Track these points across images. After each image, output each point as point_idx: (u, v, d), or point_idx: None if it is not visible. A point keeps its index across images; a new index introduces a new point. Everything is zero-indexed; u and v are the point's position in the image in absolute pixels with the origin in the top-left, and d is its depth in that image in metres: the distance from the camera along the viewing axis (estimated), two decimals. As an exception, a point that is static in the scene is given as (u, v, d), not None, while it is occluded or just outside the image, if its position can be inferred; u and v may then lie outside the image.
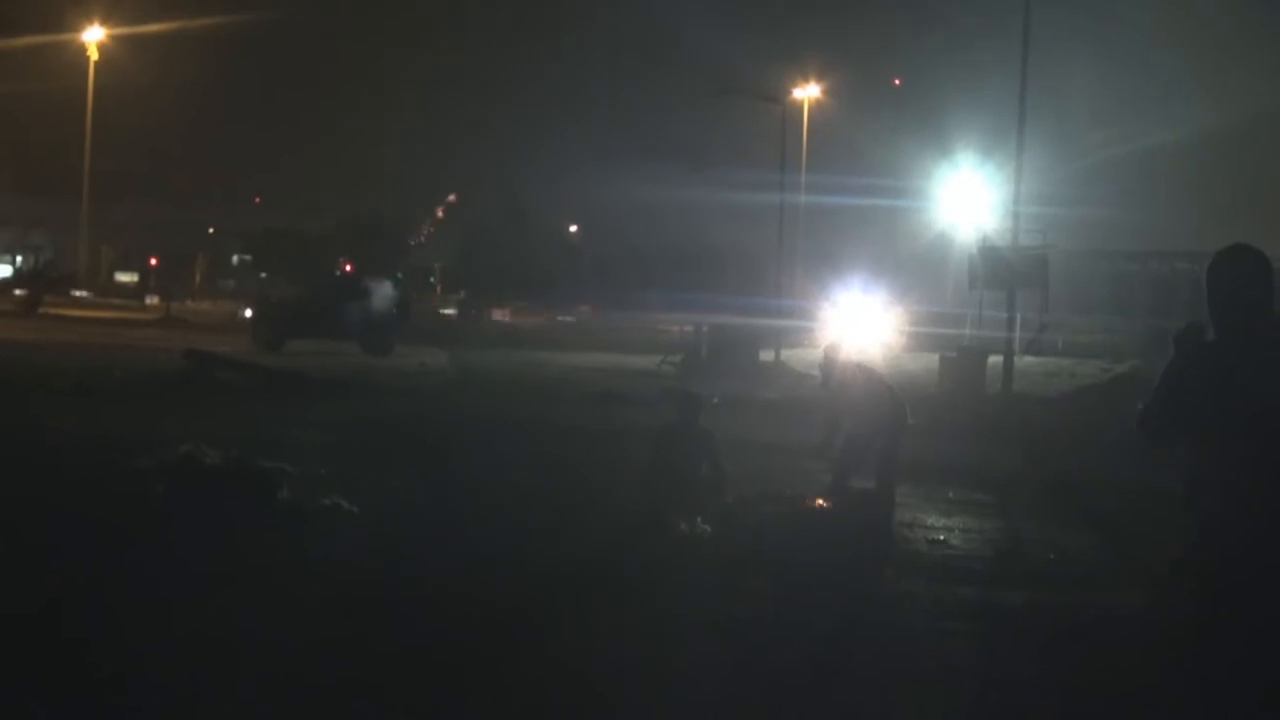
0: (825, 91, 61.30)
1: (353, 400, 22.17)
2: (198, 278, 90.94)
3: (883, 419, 11.92)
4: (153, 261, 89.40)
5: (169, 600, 8.49)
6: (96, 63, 72.73)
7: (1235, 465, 4.81)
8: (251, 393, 22.34)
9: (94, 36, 72.89)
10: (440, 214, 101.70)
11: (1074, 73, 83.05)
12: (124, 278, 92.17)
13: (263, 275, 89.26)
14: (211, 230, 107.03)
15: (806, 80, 60.38)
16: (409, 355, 36.06)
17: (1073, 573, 11.06)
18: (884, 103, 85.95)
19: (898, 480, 12.24)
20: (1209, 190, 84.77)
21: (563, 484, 13.71)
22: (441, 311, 68.55)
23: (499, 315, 69.37)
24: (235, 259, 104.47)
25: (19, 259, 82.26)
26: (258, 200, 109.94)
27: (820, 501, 11.61)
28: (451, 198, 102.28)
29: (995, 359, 32.29)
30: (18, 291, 59.05)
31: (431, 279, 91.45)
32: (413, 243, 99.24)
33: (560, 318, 70.53)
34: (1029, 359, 39.70)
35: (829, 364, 12.39)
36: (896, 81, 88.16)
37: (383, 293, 41.48)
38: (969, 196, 61.49)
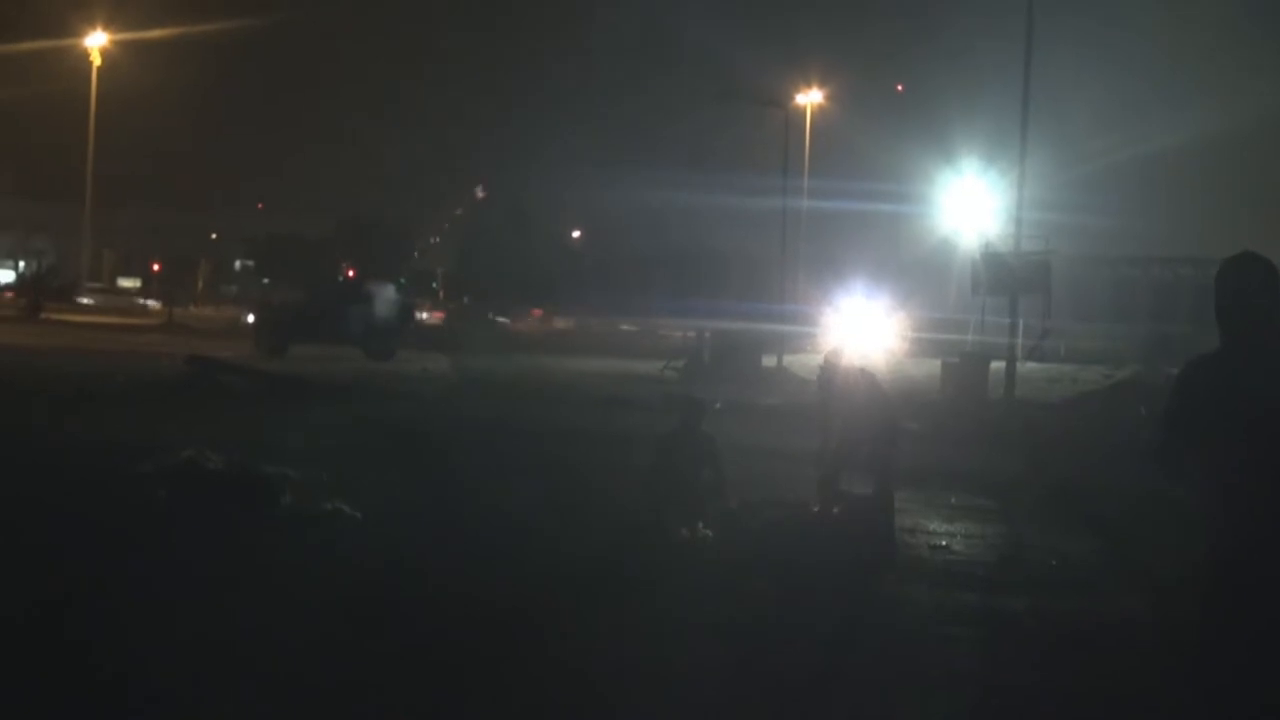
0: (828, 97, 61.29)
1: (354, 405, 22.16)
2: (200, 283, 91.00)
3: (879, 425, 11.91)
4: (155, 267, 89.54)
5: (170, 603, 8.50)
6: (99, 67, 72.73)
7: (1238, 469, 4.82)
8: (253, 398, 22.35)
9: (97, 41, 72.91)
10: (464, 211, 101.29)
11: (1077, 78, 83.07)
12: (126, 282, 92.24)
13: (265, 280, 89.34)
14: (214, 235, 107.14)
15: (809, 85, 60.36)
16: (411, 360, 36.06)
17: (1075, 578, 11.05)
18: (887, 108, 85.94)
19: (897, 485, 12.23)
20: (1211, 195, 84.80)
21: (564, 488, 13.71)
22: (439, 316, 68.37)
23: (513, 320, 68.85)
24: (238, 264, 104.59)
25: (21, 264, 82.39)
26: (260, 206, 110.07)
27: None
28: (480, 192, 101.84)
29: (998, 365, 32.28)
30: (9, 294, 59.15)
31: (434, 284, 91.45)
32: (433, 240, 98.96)
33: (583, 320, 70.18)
34: (1031, 365, 39.69)
35: (830, 369, 12.38)
36: (899, 87, 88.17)
37: (385, 297, 41.51)
38: (972, 202, 61.47)
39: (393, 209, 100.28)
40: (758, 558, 10.43)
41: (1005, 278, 34.74)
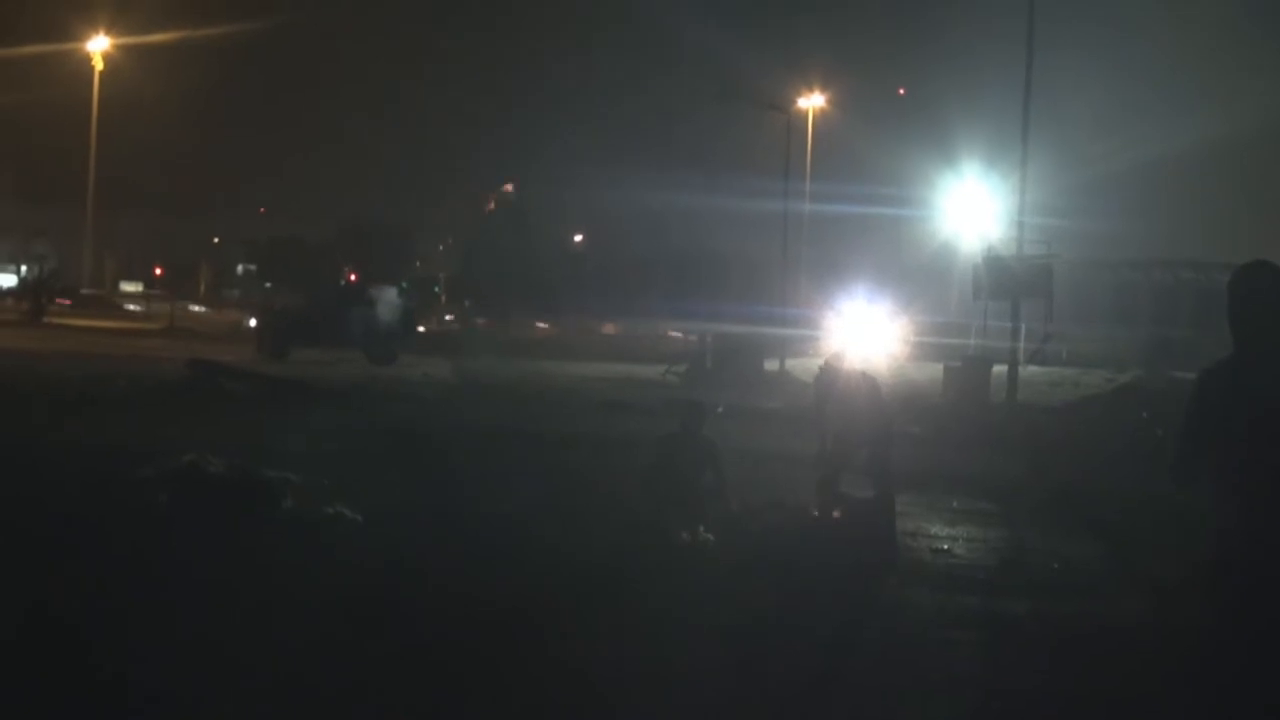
0: (830, 101, 61.32)
1: (356, 409, 22.15)
2: (202, 287, 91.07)
3: (876, 429, 11.93)
4: (157, 271, 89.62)
5: (171, 605, 8.52)
6: (101, 72, 72.81)
7: (1239, 469, 4.83)
8: (255, 402, 22.33)
9: (98, 46, 73.00)
10: (494, 207, 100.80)
11: (1079, 83, 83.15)
12: (128, 287, 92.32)
13: (267, 285, 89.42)
14: (216, 240, 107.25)
15: (811, 89, 60.40)
16: (413, 364, 36.06)
17: (1076, 582, 11.04)
18: (889, 112, 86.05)
19: (897, 489, 12.23)
20: (1212, 199, 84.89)
21: (565, 492, 13.71)
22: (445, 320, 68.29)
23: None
24: (240, 268, 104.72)
25: (23, 268, 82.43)
26: (262, 210, 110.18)
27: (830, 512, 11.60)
28: (508, 186, 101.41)
29: (999, 369, 32.28)
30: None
31: (436, 289, 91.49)
32: (440, 248, 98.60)
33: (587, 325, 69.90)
34: (1033, 369, 39.69)
35: (831, 373, 12.38)
36: (901, 91, 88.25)
37: (387, 302, 41.51)
38: (973, 206, 61.47)
39: (394, 209, 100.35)
40: (759, 560, 10.44)
41: (1007, 281, 34.74)
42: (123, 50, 74.55)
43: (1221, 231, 75.07)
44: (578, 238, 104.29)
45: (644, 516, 11.66)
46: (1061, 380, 38.19)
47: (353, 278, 70.34)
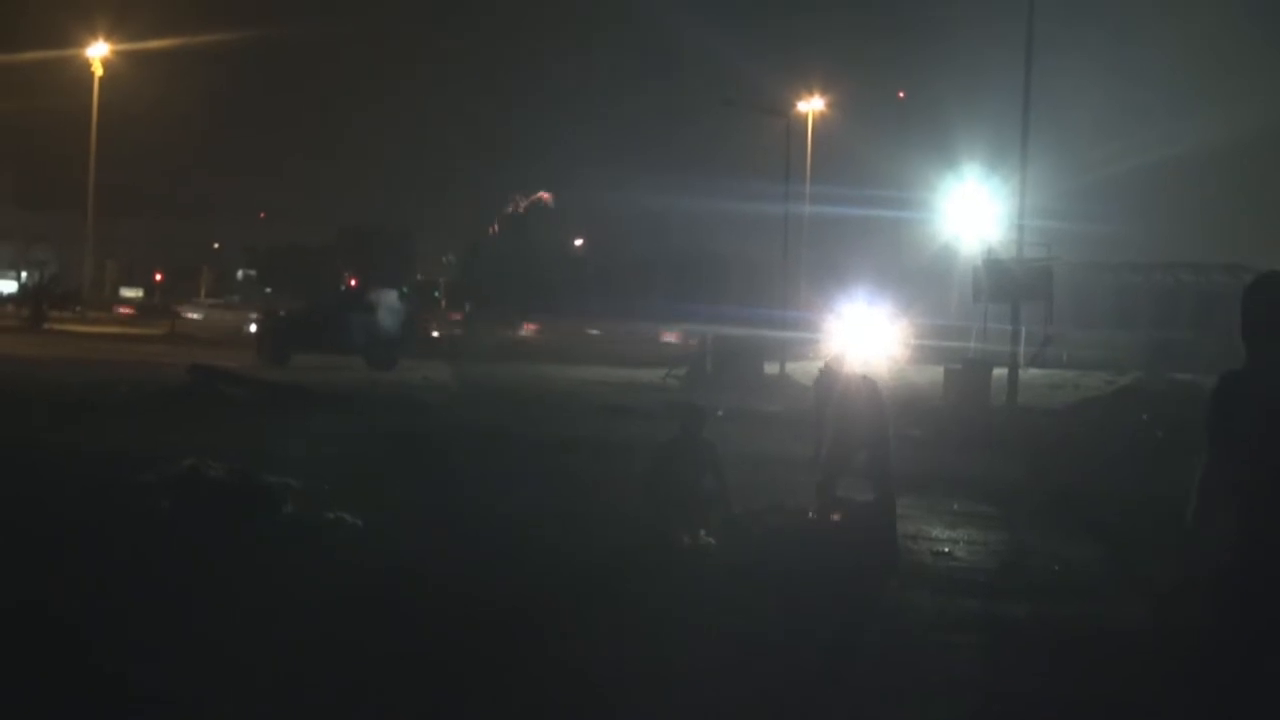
0: (830, 104, 61.30)
1: (356, 414, 22.16)
2: (203, 292, 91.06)
3: (874, 432, 11.93)
4: (158, 277, 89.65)
5: (171, 607, 8.56)
6: (101, 77, 72.83)
7: (1238, 470, 4.83)
8: (255, 407, 22.34)
9: (98, 51, 73.02)
10: (523, 210, 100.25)
11: (1079, 86, 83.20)
12: (129, 293, 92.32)
13: (267, 290, 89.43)
14: (216, 245, 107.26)
15: (811, 93, 60.39)
16: (414, 369, 36.05)
17: (1077, 585, 11.05)
18: (889, 114, 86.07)
19: (897, 491, 12.23)
20: (1212, 202, 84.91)
21: (566, 495, 13.74)
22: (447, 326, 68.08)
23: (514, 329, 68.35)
24: (240, 273, 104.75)
25: (24, 274, 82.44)
26: (262, 215, 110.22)
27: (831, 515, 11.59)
28: (544, 196, 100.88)
29: (1000, 371, 32.29)
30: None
31: (436, 293, 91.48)
32: (445, 259, 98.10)
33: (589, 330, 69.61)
34: (1033, 371, 39.71)
35: (831, 375, 12.38)
36: (901, 94, 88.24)
37: (387, 307, 41.48)
38: (973, 209, 61.53)
39: (395, 210, 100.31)
40: (759, 563, 10.44)
41: (1007, 284, 34.75)
42: (123, 56, 74.59)
43: (1221, 234, 75.14)
44: (578, 241, 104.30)
45: (645, 519, 11.68)
46: (1062, 383, 38.18)
47: (353, 283, 70.28)
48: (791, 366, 40.08)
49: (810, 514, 11.50)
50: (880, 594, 10.35)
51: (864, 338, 40.42)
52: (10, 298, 75.43)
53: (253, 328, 47.23)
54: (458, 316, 72.04)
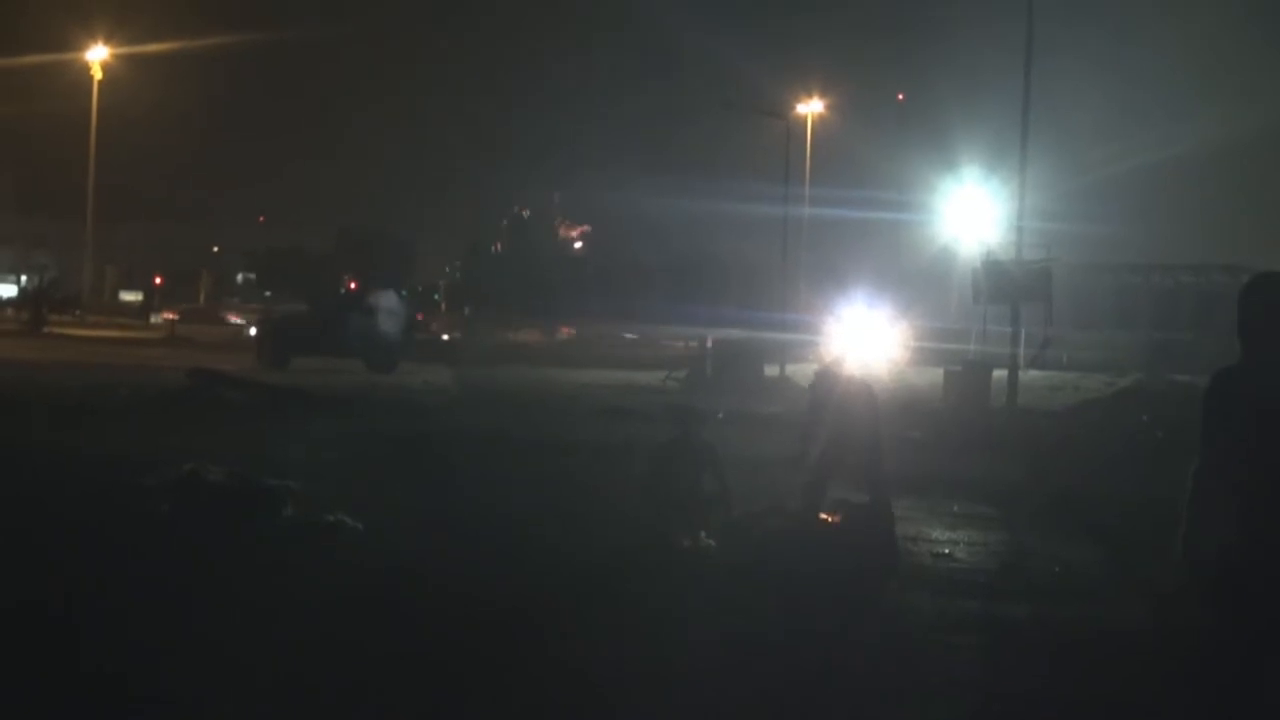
0: (829, 107, 61.38)
1: (356, 417, 22.17)
2: (202, 296, 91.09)
3: (867, 435, 11.93)
4: (157, 280, 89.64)
5: (172, 609, 8.57)
6: (100, 81, 72.86)
7: (1236, 469, 4.84)
8: (255, 411, 22.34)
9: (97, 56, 73.06)
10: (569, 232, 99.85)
11: (1079, 88, 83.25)
12: (128, 296, 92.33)
13: (267, 294, 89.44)
14: (216, 249, 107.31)
15: (810, 95, 60.45)
16: (414, 372, 36.06)
17: (1077, 586, 11.05)
18: (888, 117, 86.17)
19: (893, 493, 12.23)
20: (1212, 203, 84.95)
21: (565, 497, 13.74)
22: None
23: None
24: (239, 277, 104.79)
25: (23, 278, 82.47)
26: (261, 219, 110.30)
27: (825, 516, 11.59)
28: (580, 232, 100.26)
29: (999, 373, 32.28)
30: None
31: (436, 296, 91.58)
32: (449, 270, 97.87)
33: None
34: (1033, 373, 39.71)
35: (829, 378, 12.37)
36: (900, 97, 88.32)
37: (387, 310, 41.46)
38: (972, 211, 61.56)
39: (395, 212, 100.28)
40: (759, 565, 10.44)
41: (1006, 286, 34.72)
42: (122, 60, 74.63)
43: (1221, 235, 75.25)
44: (577, 244, 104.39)
45: (645, 521, 11.68)
46: (1062, 384, 38.20)
47: (352, 286, 70.27)
48: (792, 369, 40.09)
49: (825, 517, 11.47)
50: (880, 595, 10.36)
51: (864, 340, 40.59)
52: (10, 301, 75.47)
53: (252, 331, 47.24)
54: (467, 312, 72.06)
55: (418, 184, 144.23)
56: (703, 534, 11.35)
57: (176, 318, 66.33)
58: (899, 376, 39.50)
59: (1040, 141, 39.40)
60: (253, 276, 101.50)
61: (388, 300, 42.38)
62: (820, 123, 60.85)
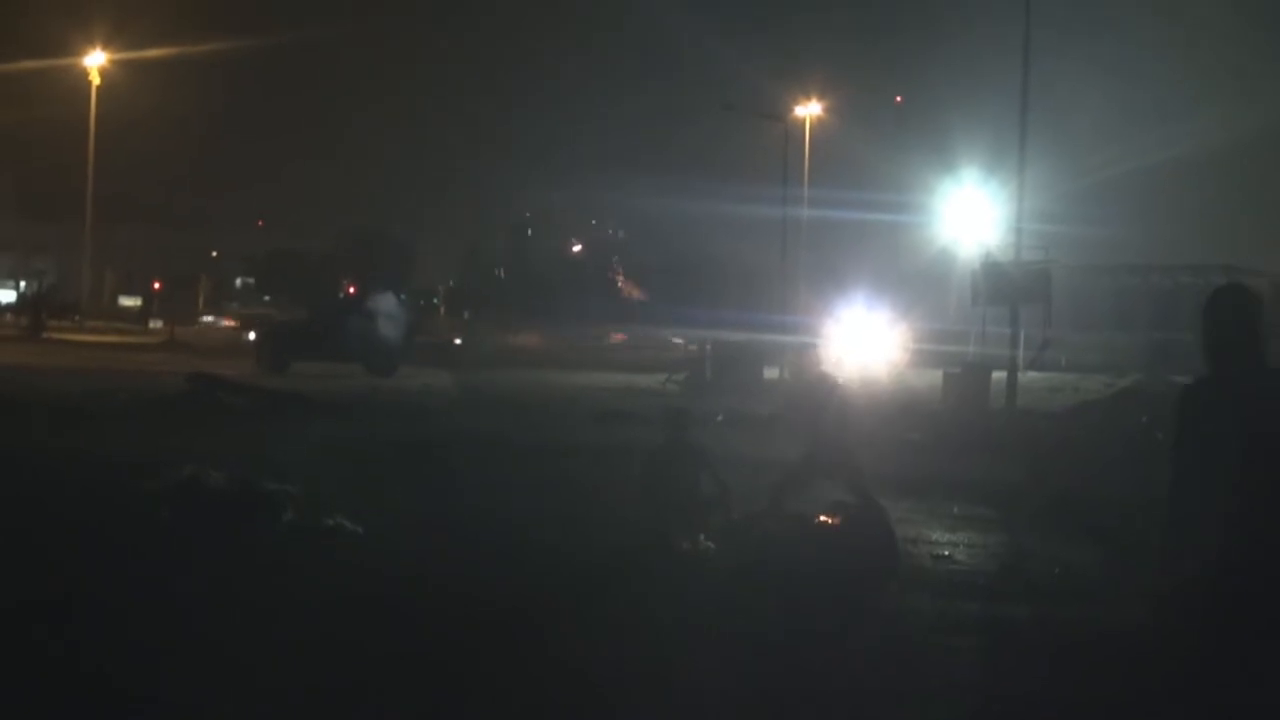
0: (827, 109, 61.38)
1: (355, 421, 22.18)
2: (201, 301, 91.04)
3: (835, 439, 11.94)
4: (156, 285, 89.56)
5: (172, 611, 8.59)
6: (98, 87, 72.85)
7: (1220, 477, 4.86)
8: (255, 415, 22.35)
9: (96, 61, 73.04)
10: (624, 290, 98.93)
11: (1077, 89, 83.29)
12: (127, 301, 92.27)
13: (266, 298, 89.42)
14: (215, 253, 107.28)
15: (809, 97, 60.48)
16: (413, 376, 36.06)
17: (1077, 588, 11.05)
18: (887, 118, 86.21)
19: (896, 494, 12.22)
20: (1210, 204, 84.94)
21: (566, 500, 13.75)
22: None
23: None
24: (238, 281, 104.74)
25: (22, 284, 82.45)
26: (260, 223, 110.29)
27: (825, 518, 11.59)
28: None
29: (999, 374, 32.28)
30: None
31: (435, 300, 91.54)
32: (451, 283, 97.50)
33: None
34: (1032, 374, 39.69)
35: (805, 385, 12.37)
36: (899, 99, 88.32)
37: (386, 314, 41.43)
38: (971, 212, 61.55)
39: (395, 210, 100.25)
40: (759, 566, 10.44)
41: (1005, 287, 34.72)
42: (120, 65, 74.61)
43: (1220, 236, 75.18)
44: (576, 247, 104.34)
45: (644, 523, 11.68)
46: (1061, 385, 38.17)
47: (351, 290, 70.23)
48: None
49: (824, 519, 11.45)
50: (880, 597, 10.36)
51: (864, 342, 40.61)
52: (9, 307, 75.46)
53: (251, 336, 47.21)
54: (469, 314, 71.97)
55: (418, 184, 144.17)
56: (702, 536, 11.35)
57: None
58: (898, 378, 39.53)
59: (1039, 143, 39.47)
60: (251, 281, 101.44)
61: (387, 304, 42.37)
62: (819, 124, 60.89)
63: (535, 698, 7.24)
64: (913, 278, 69.06)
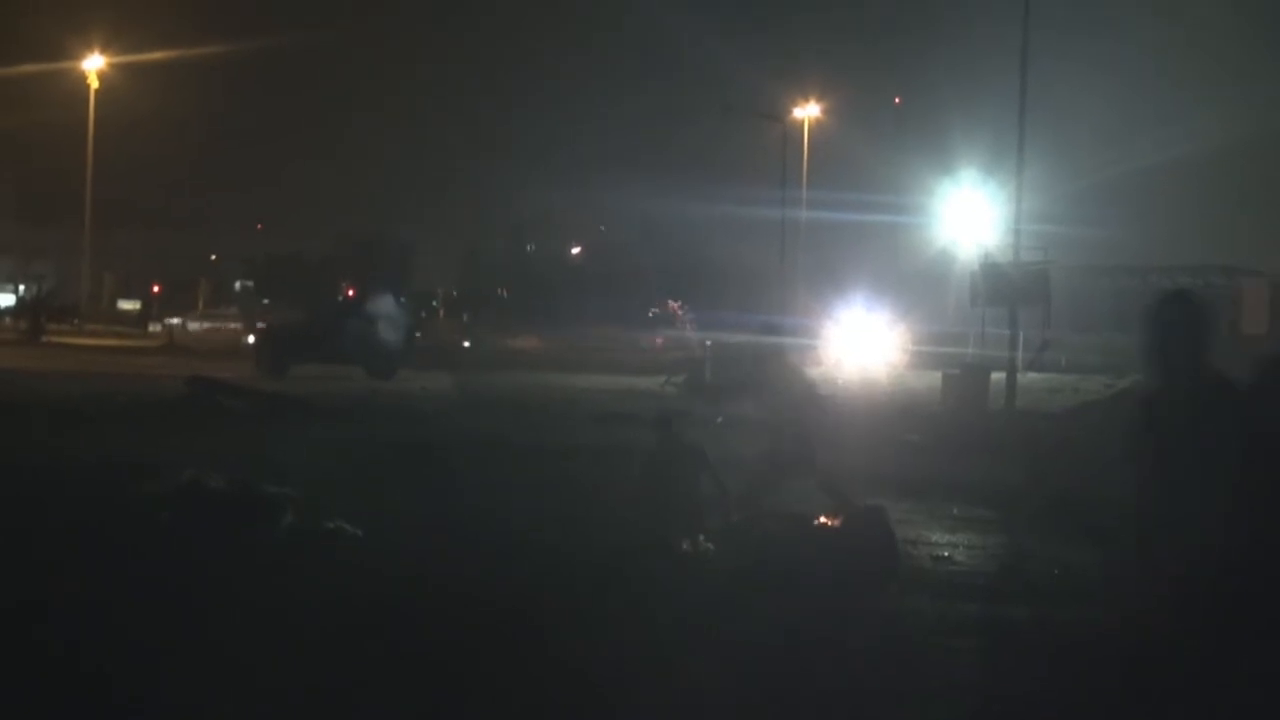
0: (826, 110, 61.47)
1: (355, 424, 22.17)
2: (200, 304, 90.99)
3: (806, 461, 11.97)
4: (155, 289, 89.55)
5: (172, 612, 8.59)
6: (97, 90, 72.85)
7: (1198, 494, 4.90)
8: (254, 418, 22.35)
9: (94, 64, 73.04)
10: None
11: (1076, 91, 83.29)
12: (126, 305, 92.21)
13: (265, 301, 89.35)
14: (214, 257, 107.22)
15: (808, 99, 60.54)
16: (413, 379, 36.06)
17: (1076, 588, 11.04)
18: (886, 120, 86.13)
19: (894, 495, 12.23)
20: (1209, 205, 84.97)
21: (566, 502, 13.75)
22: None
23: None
24: (238, 285, 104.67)
25: (21, 288, 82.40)
26: (260, 226, 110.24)
27: (824, 519, 11.59)
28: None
29: (998, 376, 32.30)
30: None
31: (434, 303, 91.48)
32: (454, 293, 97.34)
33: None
34: (1032, 375, 39.72)
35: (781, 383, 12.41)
36: (897, 100, 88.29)
37: (386, 316, 41.39)
38: (970, 214, 61.54)
39: (395, 211, 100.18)
40: (759, 567, 10.44)
41: (1004, 288, 34.75)
42: (119, 69, 74.60)
43: (1219, 237, 75.31)
44: (575, 249, 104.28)
45: (644, 524, 11.68)
46: (1060, 386, 38.19)
47: (351, 293, 70.23)
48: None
49: (824, 520, 11.45)
50: (880, 598, 10.36)
51: (863, 343, 40.61)
52: (8, 311, 75.42)
53: (251, 339, 47.20)
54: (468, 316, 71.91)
55: (418, 185, 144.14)
56: (702, 536, 11.36)
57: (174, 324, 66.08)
58: (897, 379, 39.55)
59: (1038, 144, 39.43)
60: (250, 284, 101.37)
61: (387, 306, 42.33)
62: (818, 125, 60.95)
63: (535, 698, 7.25)
64: (912, 279, 69.04)
